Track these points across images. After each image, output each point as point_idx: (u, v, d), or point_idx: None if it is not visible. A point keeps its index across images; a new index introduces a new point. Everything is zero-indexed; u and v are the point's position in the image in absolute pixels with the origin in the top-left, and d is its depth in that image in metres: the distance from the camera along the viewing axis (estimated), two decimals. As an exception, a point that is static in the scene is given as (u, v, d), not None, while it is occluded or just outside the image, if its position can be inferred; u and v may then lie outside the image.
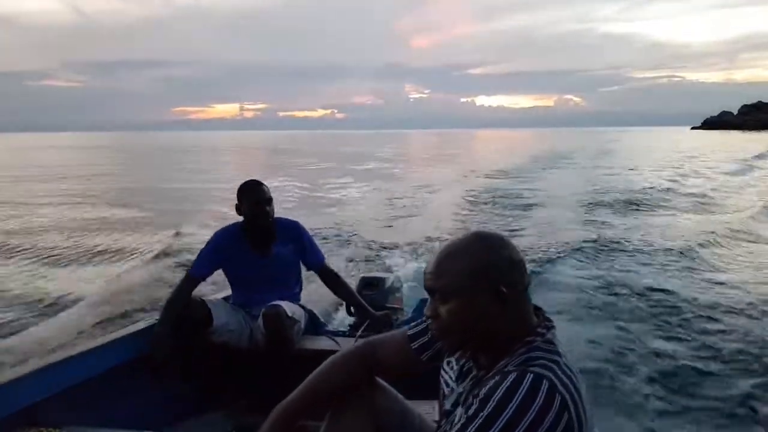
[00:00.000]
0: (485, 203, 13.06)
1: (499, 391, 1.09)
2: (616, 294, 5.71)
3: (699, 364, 4.03)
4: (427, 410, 2.06)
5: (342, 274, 3.10)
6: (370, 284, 3.16)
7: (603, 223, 10.00)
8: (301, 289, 3.06)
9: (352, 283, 3.17)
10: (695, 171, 21.20)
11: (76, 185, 19.75)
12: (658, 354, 4.21)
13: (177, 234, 8.53)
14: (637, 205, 12.19)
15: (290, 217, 3.07)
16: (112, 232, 10.17)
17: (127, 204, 14.32)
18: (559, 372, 1.12)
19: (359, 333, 2.81)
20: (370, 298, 3.04)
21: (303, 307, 2.97)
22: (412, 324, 1.49)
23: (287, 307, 2.70)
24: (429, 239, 8.40)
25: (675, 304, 5.34)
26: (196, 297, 2.78)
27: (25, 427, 1.96)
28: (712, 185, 16.20)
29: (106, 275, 6.85)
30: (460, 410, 1.26)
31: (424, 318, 1.45)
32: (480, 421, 1.08)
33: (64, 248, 8.55)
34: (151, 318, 2.80)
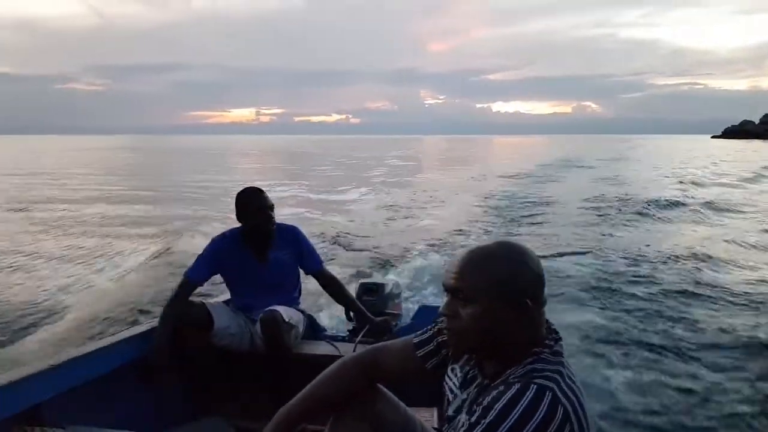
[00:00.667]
0: (492, 209, 13.04)
1: (502, 400, 1.11)
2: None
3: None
4: (426, 417, 2.07)
5: (343, 280, 3.11)
6: (370, 290, 3.16)
7: (606, 232, 9.95)
8: (300, 294, 3.07)
9: (352, 289, 3.19)
10: (704, 180, 21.02)
11: (122, 182, 20.26)
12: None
13: (181, 235, 8.65)
14: (640, 214, 12.10)
15: (290, 223, 3.09)
16: (123, 229, 10.35)
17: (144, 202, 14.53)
18: (563, 384, 1.13)
19: (358, 338, 2.83)
20: (370, 304, 3.05)
21: (302, 311, 2.99)
22: (418, 333, 1.50)
23: (284, 312, 2.71)
24: (431, 245, 8.43)
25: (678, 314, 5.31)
26: (197, 300, 2.80)
27: (29, 426, 1.99)
28: (717, 195, 15.99)
29: (111, 275, 6.94)
30: (463, 416, 1.28)
31: (432, 325, 1.48)
32: (482, 428, 1.10)
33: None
34: (153, 320, 2.81)
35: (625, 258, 7.66)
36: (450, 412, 1.36)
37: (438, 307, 3.09)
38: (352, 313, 3.03)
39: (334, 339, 2.98)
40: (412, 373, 1.49)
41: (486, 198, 15.09)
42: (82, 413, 2.15)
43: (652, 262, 7.45)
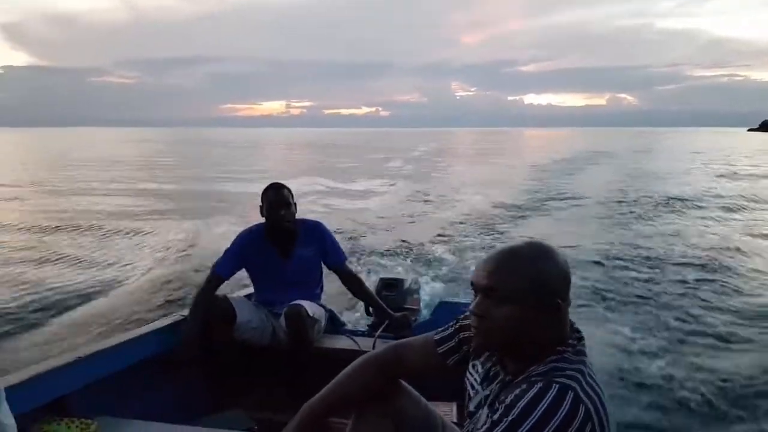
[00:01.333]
0: (518, 202, 12.94)
1: (525, 398, 1.12)
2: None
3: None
4: (446, 412, 2.08)
5: (361, 274, 3.13)
6: (390, 285, 3.19)
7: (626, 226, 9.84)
8: (322, 290, 3.10)
9: (371, 284, 3.22)
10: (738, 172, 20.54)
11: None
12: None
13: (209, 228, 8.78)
14: (673, 209, 11.94)
15: (314, 218, 3.11)
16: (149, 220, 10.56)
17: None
18: (584, 383, 1.14)
19: (378, 333, 2.86)
20: (389, 299, 3.08)
21: (323, 306, 3.03)
22: (439, 329, 1.52)
23: (308, 306, 2.75)
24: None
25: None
26: (220, 294, 2.84)
27: (57, 416, 2.03)
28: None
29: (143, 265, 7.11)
30: (485, 411, 1.30)
31: (453, 322, 1.50)
32: (504, 426, 1.12)
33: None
34: (177, 314, 2.87)
35: (650, 254, 7.58)
36: (471, 407, 1.38)
37: (456, 303, 3.10)
38: (371, 309, 3.06)
39: (354, 334, 3.02)
40: (434, 370, 1.51)
41: (512, 191, 14.96)
42: (108, 404, 2.20)
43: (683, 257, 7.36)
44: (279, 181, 2.99)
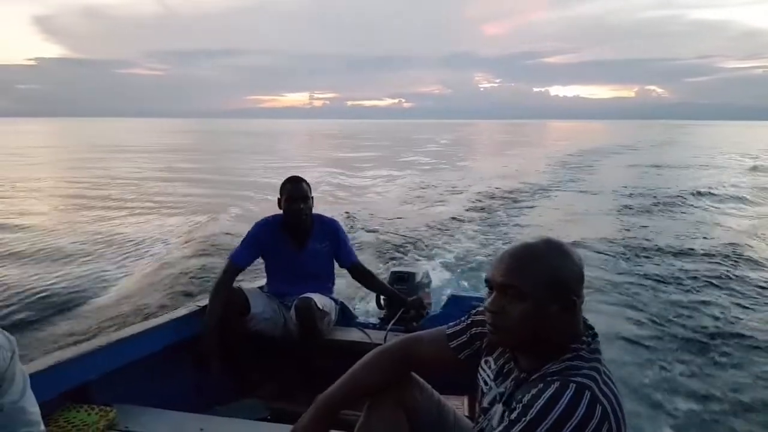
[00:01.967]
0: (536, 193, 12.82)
1: (542, 398, 1.13)
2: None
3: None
4: (457, 405, 2.10)
5: (372, 266, 3.12)
6: (401, 278, 3.20)
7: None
8: (333, 283, 3.13)
9: (383, 278, 3.23)
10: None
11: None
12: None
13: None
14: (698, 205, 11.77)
15: (329, 209, 3.14)
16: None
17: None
18: (600, 382, 1.15)
19: (390, 326, 2.89)
20: (401, 292, 3.08)
21: (334, 299, 3.06)
22: (451, 324, 1.53)
23: (318, 299, 2.78)
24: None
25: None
26: (235, 286, 2.87)
27: (78, 403, 2.08)
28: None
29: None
30: (499, 408, 1.31)
31: (465, 317, 1.51)
32: (522, 425, 1.12)
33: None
34: (194, 304, 2.90)
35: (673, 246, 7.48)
36: (485, 403, 1.39)
37: (467, 296, 3.09)
38: (383, 301, 3.09)
39: (365, 326, 3.05)
40: (446, 364, 1.53)
41: (531, 185, 14.83)
42: (128, 392, 2.24)
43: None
44: (297, 175, 3.02)
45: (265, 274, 3.14)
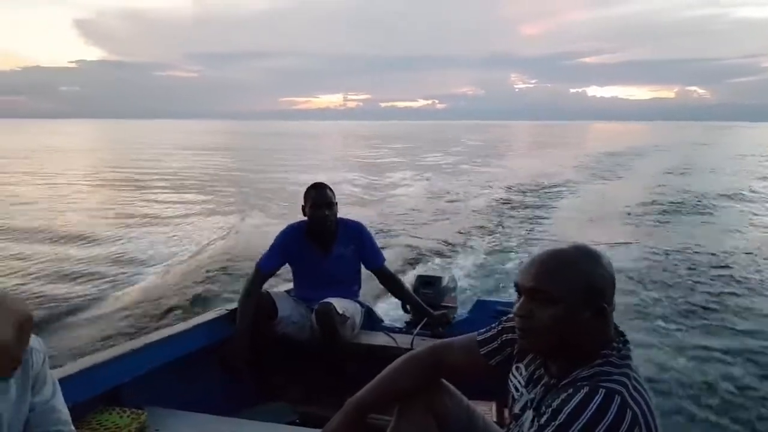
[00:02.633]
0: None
1: (571, 403, 1.13)
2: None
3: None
4: (485, 411, 2.09)
5: (398, 271, 3.11)
6: (427, 283, 3.17)
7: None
8: (359, 287, 3.14)
9: (409, 281, 3.24)
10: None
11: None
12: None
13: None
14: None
15: (355, 212, 3.14)
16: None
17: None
18: (631, 387, 1.15)
19: (416, 331, 2.89)
20: (427, 297, 3.08)
21: (360, 302, 3.07)
22: (482, 330, 1.54)
23: (339, 304, 2.79)
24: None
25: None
26: (263, 290, 2.92)
27: (110, 406, 2.12)
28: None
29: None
30: (530, 415, 1.31)
31: (496, 323, 1.51)
32: (551, 429, 1.13)
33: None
34: (223, 308, 2.93)
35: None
36: (516, 410, 1.39)
37: (494, 301, 3.08)
38: (409, 306, 3.08)
39: (391, 330, 3.05)
40: (477, 370, 1.53)
41: (559, 188, 14.62)
42: (158, 395, 2.28)
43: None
44: (321, 181, 3.04)
45: (291, 279, 3.16)
